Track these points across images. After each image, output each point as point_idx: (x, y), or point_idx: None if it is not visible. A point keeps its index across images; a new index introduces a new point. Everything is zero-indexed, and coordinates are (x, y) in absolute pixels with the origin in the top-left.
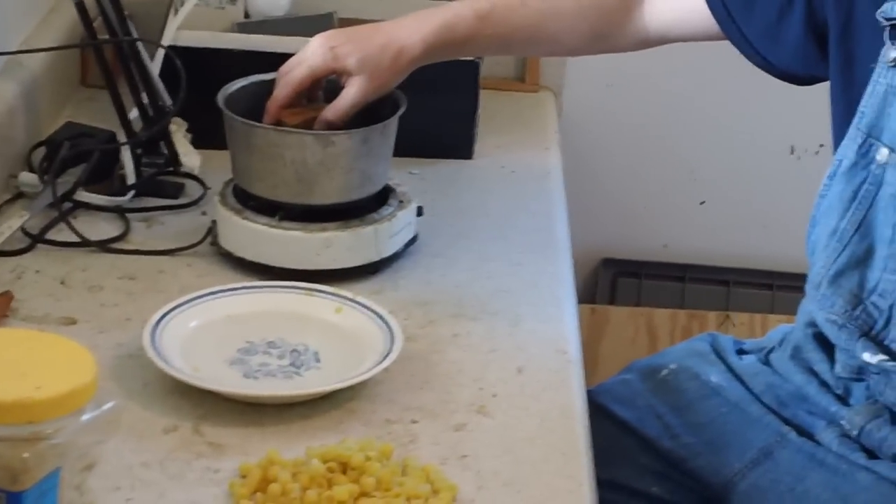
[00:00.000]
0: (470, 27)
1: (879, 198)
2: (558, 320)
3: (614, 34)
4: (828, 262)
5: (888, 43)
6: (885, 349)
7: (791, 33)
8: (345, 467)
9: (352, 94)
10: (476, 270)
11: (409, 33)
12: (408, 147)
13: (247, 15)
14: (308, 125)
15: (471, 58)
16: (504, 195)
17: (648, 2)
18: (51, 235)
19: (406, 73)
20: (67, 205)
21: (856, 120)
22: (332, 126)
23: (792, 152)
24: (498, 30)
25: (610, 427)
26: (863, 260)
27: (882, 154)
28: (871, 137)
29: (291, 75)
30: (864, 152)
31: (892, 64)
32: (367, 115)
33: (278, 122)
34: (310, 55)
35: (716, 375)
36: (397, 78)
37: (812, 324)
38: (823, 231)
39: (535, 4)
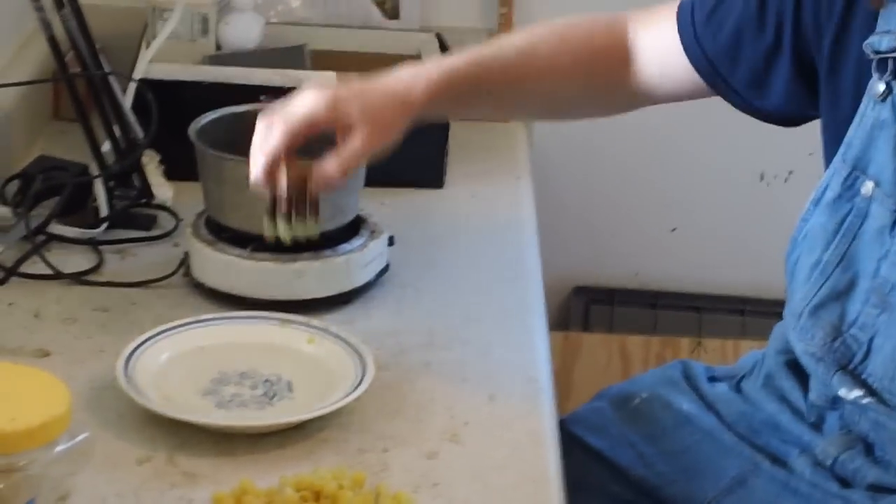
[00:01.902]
0: (470, 74)
1: (864, 231)
2: (529, 348)
3: (610, 92)
4: (809, 294)
5: (875, 76)
6: (861, 383)
7: (779, 78)
8: (318, 496)
9: (357, 144)
10: (447, 299)
11: (409, 83)
12: (378, 177)
13: (218, 47)
14: (303, 178)
15: (466, 117)
16: (475, 224)
17: (637, 60)
18: (24, 268)
19: (409, 121)
20: (41, 237)
21: (842, 151)
22: (332, 182)
23: (761, 179)
24: (498, 80)
25: (582, 456)
26: (844, 292)
27: (867, 188)
28: (857, 170)
29: (288, 122)
30: (850, 185)
31: (881, 98)
32: (336, 146)
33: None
34: (308, 103)
35: (687, 404)
36: (402, 127)
37: (785, 351)
38: (806, 259)
39: (532, 57)
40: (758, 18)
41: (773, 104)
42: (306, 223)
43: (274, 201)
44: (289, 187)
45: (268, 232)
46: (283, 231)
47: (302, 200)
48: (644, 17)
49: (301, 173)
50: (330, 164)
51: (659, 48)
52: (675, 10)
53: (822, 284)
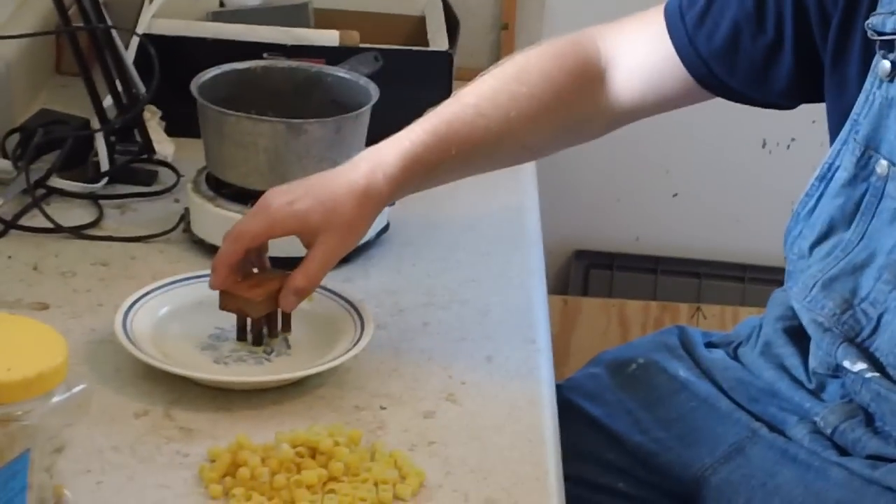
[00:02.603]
0: (429, 148)
1: (882, 209)
2: (528, 310)
3: (586, 118)
4: (826, 268)
5: (879, 54)
6: (867, 357)
7: (780, 73)
8: (314, 452)
9: (322, 251)
10: (446, 260)
11: (369, 173)
12: (381, 137)
13: (221, 4)
14: (272, 297)
15: (440, 185)
16: (476, 186)
17: (614, 75)
18: (24, 221)
19: (375, 216)
20: (41, 191)
21: (848, 128)
22: (303, 296)
23: (763, 146)
24: (459, 149)
25: (578, 423)
26: (860, 267)
27: (882, 167)
28: (870, 149)
29: (245, 228)
30: (864, 164)
31: (889, 79)
32: (338, 105)
33: (231, 295)
34: (267, 211)
35: (684, 370)
36: (367, 223)
37: (783, 318)
38: (821, 238)
39: (491, 110)
40: (756, 15)
41: (770, 96)
42: (277, 337)
43: (242, 327)
44: (256, 321)
45: (239, 346)
46: (255, 349)
47: (273, 319)
48: (615, 28)
49: (269, 290)
50: (299, 279)
51: (642, 58)
52: (656, 16)
53: (842, 260)
